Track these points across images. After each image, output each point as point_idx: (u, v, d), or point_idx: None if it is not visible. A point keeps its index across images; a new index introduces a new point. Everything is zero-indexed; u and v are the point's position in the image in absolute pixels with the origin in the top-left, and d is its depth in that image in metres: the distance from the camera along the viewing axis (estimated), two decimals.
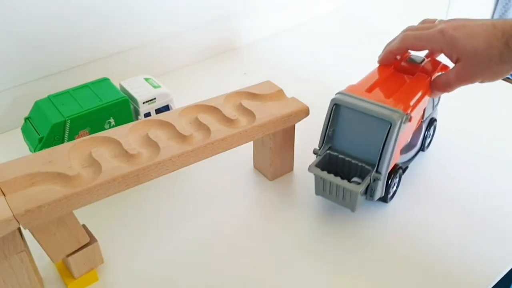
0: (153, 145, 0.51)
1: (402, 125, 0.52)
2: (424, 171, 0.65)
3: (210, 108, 0.57)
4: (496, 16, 1.51)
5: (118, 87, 0.67)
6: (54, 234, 0.46)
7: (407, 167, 0.63)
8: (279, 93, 0.61)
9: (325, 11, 1.09)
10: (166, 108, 0.68)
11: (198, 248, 0.55)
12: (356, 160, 0.55)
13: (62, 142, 0.60)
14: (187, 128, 0.53)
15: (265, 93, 0.60)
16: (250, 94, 0.60)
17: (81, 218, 0.48)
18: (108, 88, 0.66)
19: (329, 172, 0.55)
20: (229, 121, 0.55)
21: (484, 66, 0.52)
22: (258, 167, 0.66)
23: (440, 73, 0.60)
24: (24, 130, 0.64)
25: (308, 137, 0.62)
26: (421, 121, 0.62)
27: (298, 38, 1.00)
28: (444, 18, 1.30)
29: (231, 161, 0.66)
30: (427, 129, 0.65)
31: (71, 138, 0.61)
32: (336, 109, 0.55)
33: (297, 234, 0.56)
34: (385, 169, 0.53)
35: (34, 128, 0.62)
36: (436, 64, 0.61)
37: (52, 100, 0.63)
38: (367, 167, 0.54)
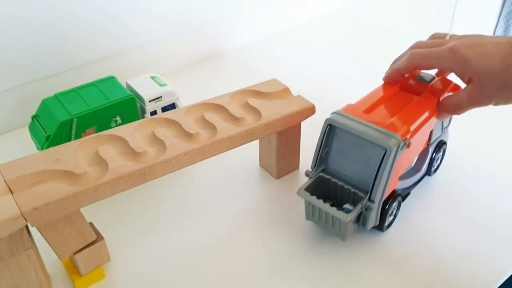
0: (159, 143, 0.51)
1: (400, 151, 0.48)
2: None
3: (216, 107, 0.57)
4: (502, 16, 1.50)
5: (124, 85, 0.68)
6: (61, 232, 0.46)
7: (408, 193, 0.58)
8: (285, 91, 0.61)
9: (332, 9, 1.08)
10: (172, 106, 0.68)
11: (204, 245, 0.55)
12: (349, 185, 0.52)
13: (69, 140, 0.61)
14: (193, 126, 0.53)
15: (271, 91, 0.60)
16: (256, 92, 0.60)
17: (88, 216, 0.48)
18: (115, 86, 0.66)
19: (321, 196, 0.51)
20: (235, 119, 0.55)
21: (499, 89, 0.48)
22: (264, 165, 0.66)
23: (450, 94, 0.56)
24: (32, 128, 0.64)
25: (314, 135, 0.62)
26: (427, 145, 0.58)
27: (304, 37, 1.00)
28: (451, 17, 1.30)
29: (237, 159, 0.66)
30: (435, 152, 0.60)
31: (78, 136, 0.61)
32: (330, 129, 0.52)
33: (303, 232, 0.56)
34: (378, 197, 0.50)
35: (41, 126, 0.62)
36: (447, 84, 0.57)
37: (59, 98, 0.63)
38: (360, 194, 0.51)
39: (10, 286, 0.45)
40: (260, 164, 0.66)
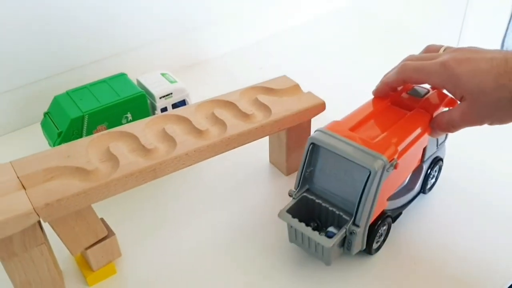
0: (170, 140, 0.51)
1: (386, 173, 0.45)
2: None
3: (226, 103, 0.57)
4: None
5: (135, 82, 0.68)
6: (73, 228, 0.46)
7: (400, 213, 0.55)
8: (295, 88, 0.61)
9: (343, 5, 1.08)
10: (182, 103, 0.68)
11: (214, 242, 0.56)
12: (334, 207, 0.49)
13: (81, 137, 0.61)
14: (203, 123, 0.54)
15: (281, 88, 0.60)
16: (266, 89, 0.60)
17: (99, 212, 0.48)
18: (125, 83, 0.66)
19: (304, 217, 0.49)
20: (245, 116, 0.55)
21: (492, 108, 0.45)
22: (274, 162, 0.66)
23: (444, 109, 0.53)
24: (44, 125, 0.65)
25: None
26: (421, 162, 0.55)
27: (313, 35, 0.99)
28: (462, 18, 1.28)
29: (247, 156, 0.66)
30: (430, 169, 0.57)
31: (89, 132, 0.62)
32: (313, 148, 0.49)
33: None
34: (364, 221, 0.47)
35: (53, 123, 0.63)
36: (442, 98, 0.54)
37: (71, 95, 0.64)
38: (345, 216, 0.48)
39: (23, 281, 0.46)
40: (270, 161, 0.66)
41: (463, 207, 0.58)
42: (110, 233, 0.50)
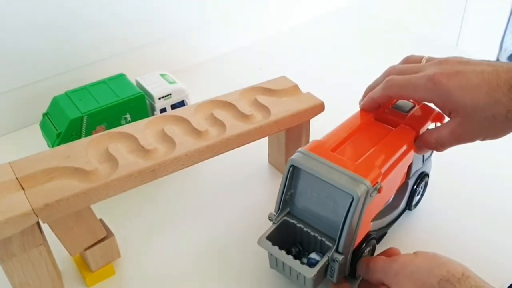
0: (169, 141, 0.51)
1: (369, 197, 0.43)
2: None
3: (226, 104, 0.57)
4: None
5: (134, 83, 0.68)
6: (72, 228, 0.46)
7: (385, 233, 0.53)
8: (294, 89, 0.61)
9: (343, 6, 1.08)
10: (181, 103, 0.68)
11: (213, 242, 0.56)
12: (316, 232, 0.47)
13: (80, 138, 0.61)
14: (202, 124, 0.54)
15: (280, 88, 0.60)
16: (265, 90, 0.60)
17: (98, 213, 0.48)
18: (124, 84, 0.66)
19: (286, 241, 0.47)
20: (244, 116, 0.55)
21: (486, 125, 0.43)
22: (273, 162, 0.66)
23: (430, 128, 0.50)
24: (43, 125, 0.65)
25: (323, 132, 0.62)
26: (406, 178, 0.53)
27: (312, 35, 0.99)
28: (461, 18, 1.27)
29: (246, 157, 0.66)
30: (416, 185, 0.55)
31: (88, 133, 0.62)
32: (294, 170, 0.46)
33: None
34: (347, 248, 0.44)
35: (52, 123, 0.63)
36: (428, 112, 0.52)
37: (70, 96, 0.64)
38: (327, 242, 0.46)
39: (21, 281, 0.46)
40: (269, 161, 0.66)
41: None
42: (109, 234, 0.50)
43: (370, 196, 0.43)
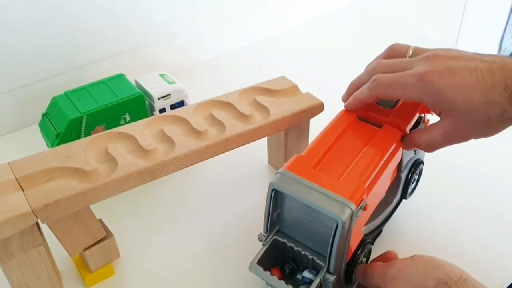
0: (168, 141, 0.51)
1: (355, 217, 0.41)
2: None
3: (225, 104, 0.57)
4: None
5: (133, 83, 0.68)
6: (71, 229, 0.46)
7: (381, 231, 0.52)
8: (294, 89, 0.61)
9: (342, 6, 1.08)
10: (181, 104, 0.68)
11: (212, 242, 0.56)
12: (307, 250, 0.46)
13: (79, 138, 0.61)
14: (202, 124, 0.54)
15: (279, 88, 0.60)
16: (265, 90, 0.60)
17: (97, 213, 0.48)
18: (124, 84, 0.66)
19: (279, 259, 0.47)
20: (243, 116, 0.55)
21: (480, 126, 0.42)
22: (272, 162, 0.66)
23: (418, 124, 0.49)
24: (42, 126, 0.65)
25: None
26: (398, 172, 0.51)
27: (312, 35, 0.99)
28: (460, 18, 1.27)
29: (246, 157, 0.66)
30: (410, 174, 0.53)
31: (87, 133, 0.62)
32: (277, 193, 0.45)
33: None
34: (338, 267, 0.43)
35: (52, 124, 0.63)
36: (414, 106, 0.50)
37: (69, 96, 0.64)
38: (318, 261, 0.45)
39: (20, 282, 0.46)
40: (268, 162, 0.66)
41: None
42: (108, 234, 0.50)
43: (356, 216, 0.41)
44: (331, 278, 0.43)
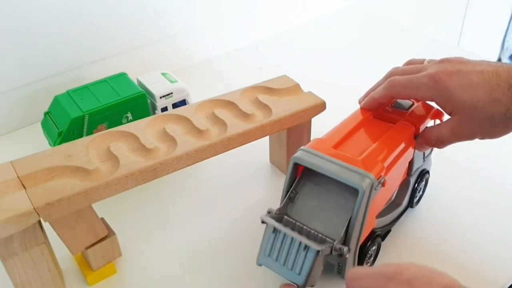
0: (170, 140, 0.51)
1: (374, 191, 0.43)
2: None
3: (227, 103, 0.57)
4: None
5: (135, 82, 0.68)
6: (73, 227, 0.46)
7: (389, 231, 0.53)
8: (296, 88, 0.61)
9: (344, 5, 1.08)
10: (183, 102, 0.68)
11: (214, 241, 0.56)
12: (316, 231, 0.45)
13: (81, 137, 0.61)
14: (203, 123, 0.54)
15: (281, 87, 0.60)
16: (267, 89, 0.60)
17: (99, 212, 0.48)
18: (126, 83, 0.66)
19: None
20: (245, 115, 0.55)
21: (485, 124, 0.44)
22: (274, 161, 0.66)
23: (430, 125, 0.51)
24: (44, 124, 0.65)
25: (324, 131, 0.62)
26: (408, 175, 0.53)
27: (313, 34, 0.99)
28: (462, 18, 1.28)
29: (247, 156, 0.66)
30: (417, 182, 0.55)
31: (89, 132, 0.62)
32: (297, 168, 0.46)
33: None
34: (354, 242, 0.44)
35: (54, 122, 0.63)
36: (428, 110, 0.52)
37: (71, 95, 0.64)
38: (328, 239, 0.44)
39: (23, 280, 0.46)
40: (270, 161, 0.66)
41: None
42: (110, 233, 0.50)
43: (375, 189, 0.43)
44: (346, 249, 0.43)
